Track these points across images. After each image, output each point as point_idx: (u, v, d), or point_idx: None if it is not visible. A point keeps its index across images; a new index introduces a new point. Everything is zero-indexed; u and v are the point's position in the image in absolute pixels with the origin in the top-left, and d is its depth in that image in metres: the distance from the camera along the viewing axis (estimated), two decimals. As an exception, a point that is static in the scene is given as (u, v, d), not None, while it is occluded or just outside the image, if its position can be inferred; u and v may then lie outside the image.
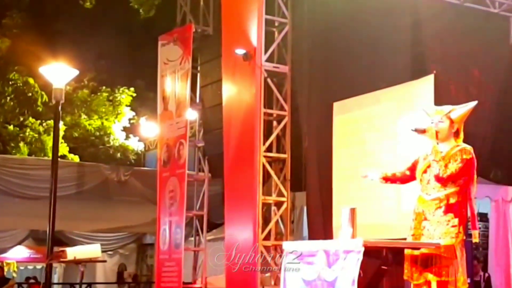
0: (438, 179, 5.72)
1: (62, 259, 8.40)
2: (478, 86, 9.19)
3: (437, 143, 5.84)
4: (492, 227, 11.48)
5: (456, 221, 5.70)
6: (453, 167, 5.67)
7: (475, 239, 5.86)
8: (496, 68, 9.61)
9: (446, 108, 5.92)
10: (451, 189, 5.74)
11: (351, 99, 9.83)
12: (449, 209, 5.72)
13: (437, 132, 5.80)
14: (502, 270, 11.19)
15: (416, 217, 5.91)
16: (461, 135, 5.90)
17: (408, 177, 6.12)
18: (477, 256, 11.50)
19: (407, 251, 5.92)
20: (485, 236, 11.81)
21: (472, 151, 5.79)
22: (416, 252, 5.82)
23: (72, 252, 8.16)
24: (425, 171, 5.88)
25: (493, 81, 9.44)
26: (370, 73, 9.73)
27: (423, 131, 5.87)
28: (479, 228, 6.08)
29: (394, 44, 9.57)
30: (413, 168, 6.05)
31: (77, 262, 8.23)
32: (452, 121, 5.84)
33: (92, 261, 8.34)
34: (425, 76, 8.83)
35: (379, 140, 9.37)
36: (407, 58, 9.62)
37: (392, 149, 9.01)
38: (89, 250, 8.27)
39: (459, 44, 9.44)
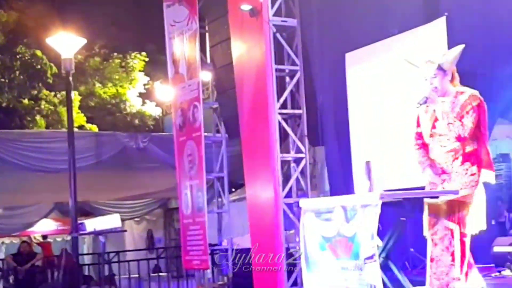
0: (461, 139, 5.58)
1: (81, 232, 8.38)
2: (493, 27, 8.90)
3: (440, 98, 5.68)
4: (515, 167, 11.32)
5: (474, 168, 5.62)
6: (469, 121, 5.54)
7: (491, 179, 5.73)
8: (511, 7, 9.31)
9: (435, 59, 5.72)
10: (471, 138, 5.62)
11: (363, 49, 9.61)
12: (466, 158, 5.63)
13: (435, 89, 5.65)
14: (527, 210, 11.05)
15: (433, 170, 5.80)
16: (456, 76, 5.74)
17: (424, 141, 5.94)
18: (501, 197, 11.33)
19: (426, 203, 5.81)
20: (508, 176, 11.62)
21: (478, 94, 5.63)
22: (437, 202, 5.71)
23: (91, 224, 8.13)
24: (434, 126, 5.73)
25: (509, 18, 9.14)
26: (381, 20, 9.48)
27: (426, 100, 5.71)
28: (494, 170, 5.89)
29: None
30: (419, 134, 5.93)
31: (97, 233, 8.21)
32: (444, 71, 5.67)
33: (113, 231, 8.31)
34: (437, 19, 8.59)
35: (393, 88, 9.17)
36: (419, 1, 9.36)
37: (406, 96, 8.82)
38: (108, 221, 8.24)
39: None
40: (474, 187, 5.64)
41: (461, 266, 5.63)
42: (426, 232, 5.87)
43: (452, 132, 5.60)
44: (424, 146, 5.89)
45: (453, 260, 5.63)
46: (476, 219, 5.66)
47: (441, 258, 5.70)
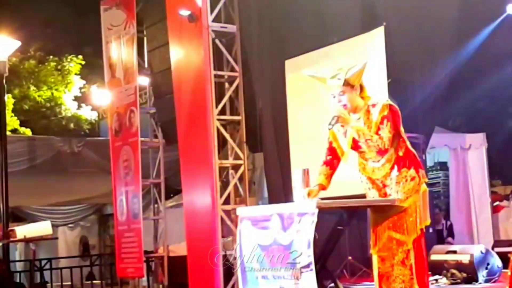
0: (382, 152, 5.42)
1: (12, 239, 8.13)
2: (430, 36, 9.01)
3: (351, 114, 5.47)
4: (452, 175, 11.50)
5: (412, 171, 5.45)
6: (385, 131, 5.31)
7: (425, 180, 5.55)
8: (449, 16, 9.43)
9: (339, 73, 5.50)
10: (394, 144, 5.47)
11: (303, 56, 9.61)
12: (400, 164, 5.44)
13: (344, 106, 5.44)
14: (463, 217, 11.24)
15: (372, 185, 5.62)
16: (364, 87, 5.53)
17: (338, 157, 5.69)
18: (438, 205, 11.51)
19: (371, 217, 5.65)
20: (445, 184, 11.83)
21: (389, 102, 5.42)
22: (383, 215, 5.53)
23: (22, 232, 7.90)
24: (356, 146, 5.53)
25: (446, 29, 9.26)
26: (321, 28, 9.51)
27: (336, 120, 5.46)
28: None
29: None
30: (332, 149, 5.67)
31: (27, 240, 7.98)
32: (352, 86, 5.48)
33: (43, 239, 8.08)
34: (375, 28, 8.64)
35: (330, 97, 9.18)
36: (357, 11, 9.41)
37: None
38: (39, 228, 8.02)
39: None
40: (419, 191, 5.48)
41: (422, 279, 5.46)
42: (373, 248, 5.66)
43: (372, 147, 5.43)
44: (330, 164, 5.61)
45: (411, 274, 5.46)
46: (421, 221, 5.49)
47: (393, 273, 5.50)
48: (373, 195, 5.59)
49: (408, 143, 5.50)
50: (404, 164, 5.43)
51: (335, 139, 5.54)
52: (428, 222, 5.48)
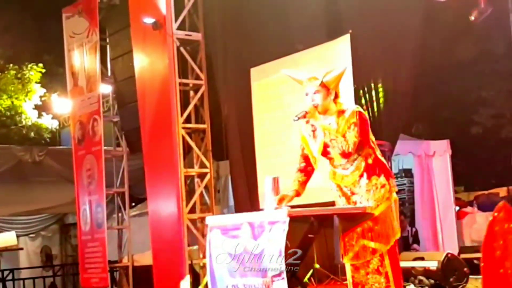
0: (345, 155, 5.40)
1: (-25, 250, 7.97)
2: (395, 43, 9.07)
3: (321, 116, 5.48)
4: (416, 182, 11.56)
5: (382, 179, 5.42)
6: (352, 136, 5.30)
7: (394, 189, 5.55)
8: (413, 24, 9.50)
9: (318, 74, 5.53)
10: (364, 151, 5.46)
11: (269, 64, 9.60)
12: (369, 172, 5.41)
13: (315, 106, 5.45)
14: (428, 223, 11.30)
15: (341, 194, 5.61)
16: (339, 95, 5.54)
17: (311, 164, 5.73)
18: (403, 211, 11.56)
19: (340, 226, 5.63)
20: (410, 191, 11.89)
21: (359, 109, 5.45)
22: (354, 224, 5.51)
23: (-15, 242, 7.74)
24: (326, 153, 5.53)
25: (410, 37, 9.32)
26: (286, 35, 9.51)
27: (304, 115, 5.47)
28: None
29: (309, 5, 9.35)
30: (305, 156, 5.66)
31: (-9, 252, 7.83)
32: (328, 89, 5.49)
33: (8, 249, 7.94)
34: (341, 36, 8.66)
35: (298, 103, 9.17)
36: (322, 18, 9.43)
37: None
38: (3, 239, 7.86)
39: (374, 1, 9.29)
40: (390, 199, 5.47)
41: (399, 283, 5.44)
42: (345, 257, 5.63)
43: (336, 148, 5.42)
44: (304, 171, 5.51)
45: (388, 281, 5.45)
46: (395, 230, 5.49)
47: (369, 282, 5.49)
48: (342, 203, 5.55)
49: (378, 151, 5.49)
50: (373, 172, 5.41)
51: (306, 145, 5.51)
52: (399, 234, 5.49)
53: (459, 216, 11.39)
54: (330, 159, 5.49)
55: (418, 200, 11.45)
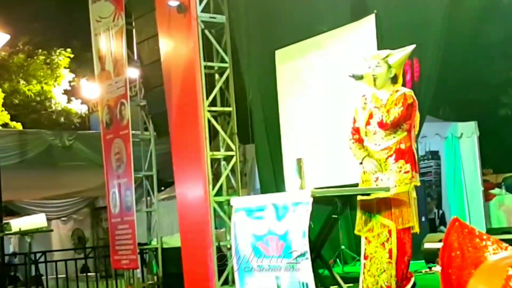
0: (382, 125, 5.61)
1: (7, 232, 8.10)
2: (420, 24, 9.00)
3: (376, 90, 5.71)
4: (443, 164, 11.51)
5: (408, 166, 5.65)
6: (396, 111, 5.57)
7: (417, 182, 5.75)
8: (439, 4, 9.44)
9: (384, 52, 5.78)
10: (399, 136, 5.66)
11: (293, 46, 9.60)
12: (399, 155, 5.66)
13: (374, 78, 5.66)
14: (455, 205, 11.25)
15: (370, 165, 5.79)
16: (400, 79, 5.78)
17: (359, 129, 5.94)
18: (430, 193, 11.52)
19: (359, 200, 5.81)
20: (437, 173, 11.83)
21: (413, 94, 5.70)
22: (369, 199, 5.70)
23: (17, 224, 7.86)
24: (368, 123, 5.75)
25: (436, 18, 9.25)
26: (310, 17, 9.49)
27: (360, 77, 5.71)
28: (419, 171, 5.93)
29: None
30: (357, 129, 5.94)
31: (23, 233, 7.95)
32: (389, 66, 5.72)
33: (38, 231, 8.05)
34: (366, 16, 8.63)
35: (323, 85, 9.19)
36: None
37: (337, 93, 8.84)
38: (33, 221, 7.97)
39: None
40: (408, 185, 5.66)
41: (400, 264, 5.59)
42: (360, 230, 5.86)
43: (376, 116, 5.62)
44: (360, 141, 5.86)
45: (390, 257, 5.61)
46: (409, 217, 5.66)
47: (375, 255, 5.70)
48: (365, 178, 5.77)
49: (414, 144, 5.69)
50: (403, 157, 5.64)
51: (357, 116, 5.78)
52: (413, 223, 5.63)
53: (487, 198, 11.32)
54: (368, 132, 5.69)
55: (445, 182, 11.40)
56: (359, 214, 5.83)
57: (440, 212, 11.23)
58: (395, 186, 5.61)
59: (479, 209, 11.08)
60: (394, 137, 5.64)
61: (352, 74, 5.70)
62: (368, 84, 5.69)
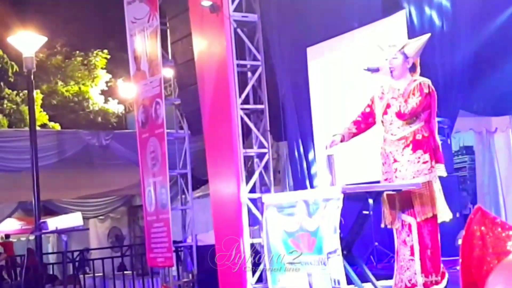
0: (400, 115, 5.57)
1: (44, 231, 8.27)
2: (451, 18, 8.97)
3: (393, 80, 5.68)
4: (478, 159, 11.42)
5: (426, 156, 5.58)
6: (413, 101, 5.52)
7: (442, 172, 5.69)
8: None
9: (399, 42, 5.75)
10: (416, 126, 5.59)
11: (324, 43, 9.63)
12: (417, 146, 5.58)
13: (391, 69, 5.63)
14: (490, 201, 11.17)
15: (385, 160, 5.78)
16: (418, 69, 5.74)
17: (369, 115, 5.93)
18: (465, 189, 11.46)
19: (383, 195, 5.81)
20: (471, 168, 11.76)
21: (430, 83, 5.63)
22: (391, 193, 5.70)
23: (53, 223, 8.02)
24: (385, 112, 5.73)
25: (467, 11, 9.21)
26: (341, 14, 9.50)
27: (376, 70, 5.68)
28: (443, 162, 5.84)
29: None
30: (371, 105, 5.92)
31: (59, 232, 8.11)
32: (406, 56, 5.68)
33: (75, 229, 8.21)
34: (397, 12, 8.63)
35: (355, 81, 9.19)
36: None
37: (368, 89, 8.84)
38: (70, 219, 8.12)
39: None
40: (428, 175, 5.58)
41: (424, 259, 5.55)
42: (387, 223, 5.85)
43: (393, 107, 5.60)
44: (358, 124, 5.85)
45: (412, 254, 5.57)
46: (438, 209, 5.62)
47: (399, 252, 5.69)
48: (384, 170, 5.77)
49: (436, 135, 5.64)
50: (421, 147, 5.58)
51: (373, 103, 5.78)
52: (447, 217, 5.58)
53: (523, 192, 11.21)
54: (385, 122, 5.68)
55: (479, 177, 11.32)
56: (386, 208, 5.82)
57: (475, 207, 11.15)
58: (413, 177, 5.56)
59: (515, 203, 11.00)
60: (410, 127, 5.59)
61: (367, 68, 5.69)
62: (384, 75, 5.67)
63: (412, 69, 5.72)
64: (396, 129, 5.65)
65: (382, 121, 5.76)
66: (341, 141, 5.81)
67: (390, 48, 5.71)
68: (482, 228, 2.72)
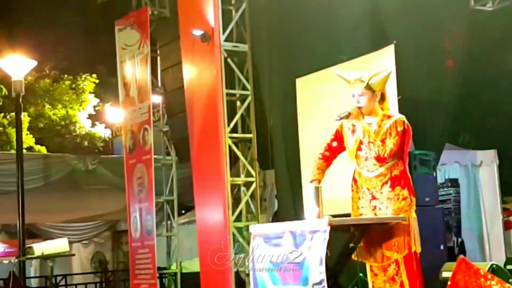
0: (380, 159, 5.46)
1: (30, 256, 8.25)
2: (439, 54, 9.12)
3: (365, 121, 5.57)
4: (463, 192, 11.51)
5: (405, 192, 5.49)
6: (391, 142, 5.37)
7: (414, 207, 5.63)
8: (457, 34, 9.54)
9: (364, 76, 5.61)
10: (392, 162, 5.54)
11: (313, 74, 9.71)
12: (394, 182, 5.46)
13: (360, 108, 5.54)
14: (475, 234, 11.25)
15: (361, 195, 5.72)
16: (387, 98, 5.63)
17: (337, 150, 5.74)
18: (449, 221, 11.53)
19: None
20: (456, 201, 11.84)
21: (404, 119, 5.53)
22: (371, 230, 5.62)
23: (40, 249, 8.01)
24: (359, 149, 5.64)
25: (455, 47, 9.36)
26: (330, 47, 9.63)
27: (347, 116, 5.60)
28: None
29: (353, 16, 9.47)
30: (339, 138, 5.80)
31: (45, 257, 8.10)
32: (373, 91, 5.58)
33: (61, 255, 8.20)
34: (385, 46, 8.74)
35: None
36: (367, 29, 9.53)
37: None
38: (56, 245, 8.12)
39: (418, 11, 9.35)
40: (409, 211, 5.54)
41: None
42: (363, 257, 5.76)
43: (372, 151, 5.49)
44: (328, 160, 5.77)
45: None
46: (414, 242, 5.57)
47: None
48: (361, 205, 5.70)
49: (407, 167, 5.58)
50: (399, 183, 5.50)
51: (345, 138, 5.64)
52: (418, 248, 5.55)
53: (507, 226, 11.30)
54: (358, 157, 5.61)
55: (464, 210, 11.40)
56: (362, 242, 5.72)
57: (459, 240, 11.21)
58: (395, 215, 5.49)
59: (499, 238, 11.06)
60: (387, 162, 5.53)
61: (339, 117, 5.58)
62: (356, 119, 5.57)
63: (381, 100, 5.61)
64: (372, 165, 5.55)
65: (355, 156, 5.68)
66: (319, 183, 5.75)
67: (356, 82, 5.60)
68: (466, 278, 2.81)
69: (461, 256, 3.50)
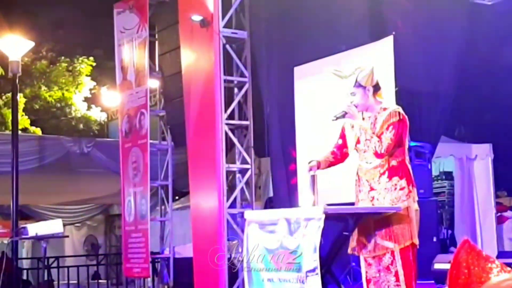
0: (378, 155, 5.51)
1: (23, 236, 8.26)
2: (438, 45, 9.13)
3: (363, 118, 5.62)
4: (457, 185, 11.56)
5: (403, 182, 5.52)
6: (388, 137, 5.40)
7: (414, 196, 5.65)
8: (456, 26, 9.56)
9: (352, 76, 5.65)
10: (392, 154, 5.57)
11: (312, 63, 9.73)
12: (392, 172, 5.50)
13: (356, 106, 5.59)
14: (467, 227, 11.30)
15: (361, 188, 5.75)
16: (380, 88, 5.65)
17: (342, 146, 5.77)
18: (442, 214, 11.58)
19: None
20: (450, 194, 11.90)
21: (400, 110, 5.56)
22: (367, 219, 5.64)
23: (33, 229, 8.02)
24: (358, 142, 5.68)
25: (454, 39, 9.38)
26: (330, 36, 9.63)
27: (343, 115, 5.65)
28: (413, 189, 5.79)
29: (353, 6, 9.47)
30: (343, 136, 5.84)
31: (39, 238, 8.11)
32: (364, 87, 5.61)
33: (54, 236, 8.21)
34: (384, 37, 8.74)
35: (339, 103, 9.27)
36: (366, 20, 9.53)
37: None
38: (50, 226, 8.13)
39: (418, 3, 9.36)
40: (406, 201, 5.56)
41: (410, 283, 5.54)
42: (355, 249, 5.78)
43: (370, 148, 5.55)
44: (334, 155, 5.78)
45: (397, 280, 5.55)
46: (410, 233, 5.59)
47: (379, 279, 5.63)
48: (361, 197, 5.74)
49: (407, 157, 5.61)
50: (397, 173, 5.53)
51: (343, 135, 5.73)
52: (416, 240, 5.57)
53: (500, 220, 11.36)
54: (358, 150, 5.68)
55: (458, 203, 11.45)
56: (356, 233, 5.74)
57: (449, 232, 11.28)
58: (391, 204, 5.53)
59: (491, 232, 11.13)
60: (389, 155, 5.55)
61: (335, 117, 5.64)
62: (353, 117, 5.61)
63: (374, 92, 5.63)
64: (370, 156, 5.59)
65: (356, 149, 5.72)
66: (318, 167, 5.75)
67: (351, 78, 5.63)
68: (469, 259, 2.84)
69: (466, 237, 3.52)
